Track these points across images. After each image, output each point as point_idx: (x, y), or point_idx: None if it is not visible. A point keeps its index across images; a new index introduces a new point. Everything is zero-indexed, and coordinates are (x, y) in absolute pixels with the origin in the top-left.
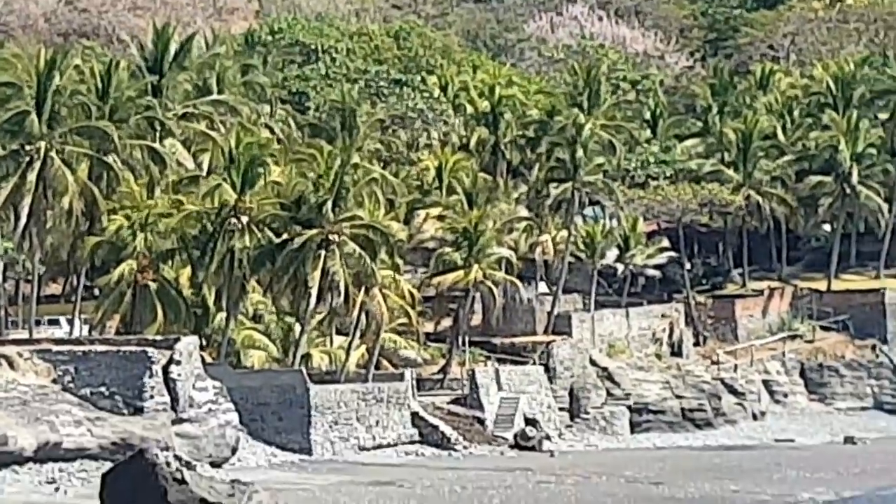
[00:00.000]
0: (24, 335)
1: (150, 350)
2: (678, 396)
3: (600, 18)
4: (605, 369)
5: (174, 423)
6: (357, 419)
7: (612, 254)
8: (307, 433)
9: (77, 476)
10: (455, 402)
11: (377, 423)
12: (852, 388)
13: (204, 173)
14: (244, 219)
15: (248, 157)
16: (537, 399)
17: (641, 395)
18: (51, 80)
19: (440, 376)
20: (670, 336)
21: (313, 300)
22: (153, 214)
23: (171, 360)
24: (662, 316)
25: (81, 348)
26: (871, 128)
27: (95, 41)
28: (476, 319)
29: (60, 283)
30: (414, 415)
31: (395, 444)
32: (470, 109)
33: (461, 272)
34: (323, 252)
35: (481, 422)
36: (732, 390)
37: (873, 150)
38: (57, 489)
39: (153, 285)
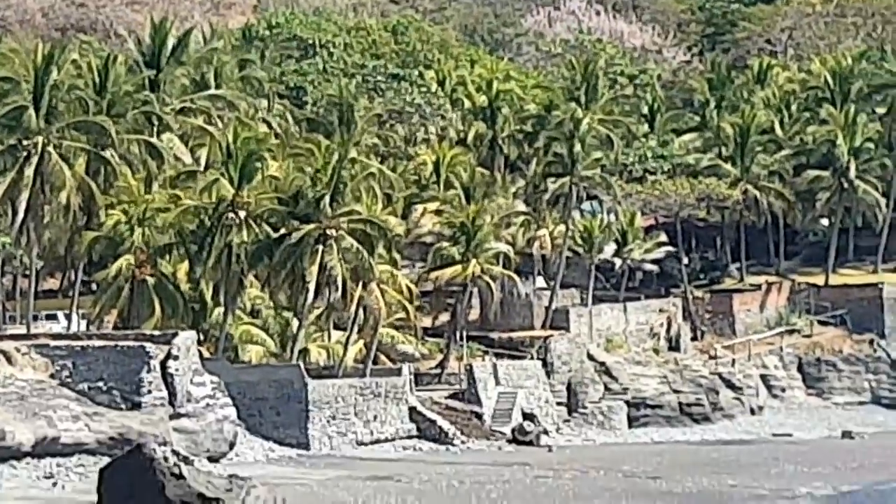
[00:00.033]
0: (22, 330)
1: (147, 345)
2: (676, 391)
3: (598, 13)
4: (602, 364)
5: (172, 417)
6: (355, 414)
7: (610, 248)
8: (305, 428)
9: (75, 471)
10: (453, 396)
11: (375, 417)
12: (850, 383)
13: (201, 168)
14: (242, 213)
15: (246, 152)
16: (535, 394)
17: (639, 390)
18: (48, 74)
19: (438, 371)
20: (668, 331)
21: (311, 295)
22: (151, 209)
23: (168, 355)
24: (660, 310)
25: (79, 343)
26: (868, 122)
27: (93, 36)
28: (474, 314)
29: (58, 277)
30: (412, 409)
31: (393, 439)
32: (467, 104)
33: (459, 267)
34: (320, 247)
35: (479, 416)
36: (730, 385)
37: (871, 145)
38: (55, 484)
39: (151, 280)
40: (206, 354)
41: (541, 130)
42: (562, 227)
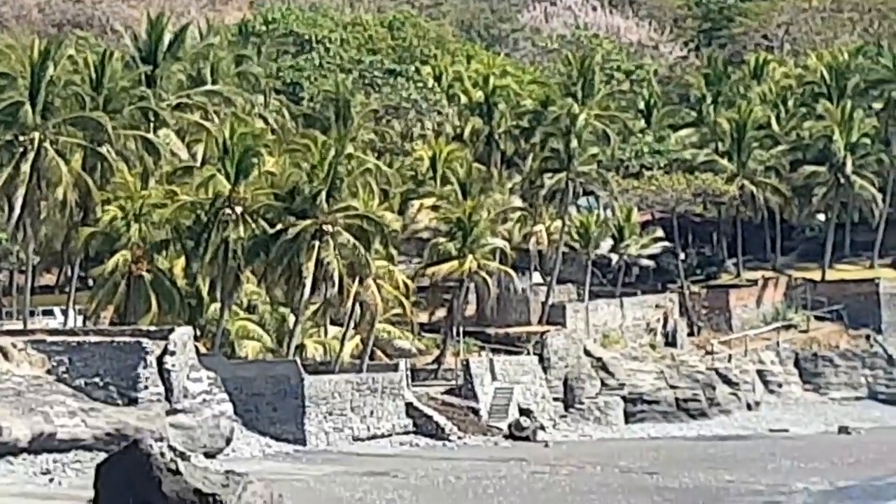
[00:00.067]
0: (19, 326)
1: (144, 341)
2: (672, 386)
3: (594, 8)
4: (599, 359)
5: (168, 413)
6: (351, 409)
7: (607, 244)
8: (301, 424)
9: (71, 467)
10: (449, 392)
11: (371, 413)
12: (846, 378)
13: (198, 164)
14: (238, 209)
15: (242, 148)
16: (531, 389)
17: (636, 386)
18: (45, 70)
19: (434, 367)
20: (664, 326)
21: (307, 291)
22: (147, 205)
23: (165, 351)
24: (657, 306)
25: (76, 339)
26: (865, 118)
27: (89, 32)
28: (470, 310)
29: (55, 273)
30: (408, 405)
31: (390, 435)
32: (464, 99)
33: (455, 262)
34: (317, 242)
35: (476, 412)
36: (727, 380)
37: (867, 140)
38: (51, 480)
39: (147, 276)
40: (203, 350)
41: (537, 126)
42: (558, 223)
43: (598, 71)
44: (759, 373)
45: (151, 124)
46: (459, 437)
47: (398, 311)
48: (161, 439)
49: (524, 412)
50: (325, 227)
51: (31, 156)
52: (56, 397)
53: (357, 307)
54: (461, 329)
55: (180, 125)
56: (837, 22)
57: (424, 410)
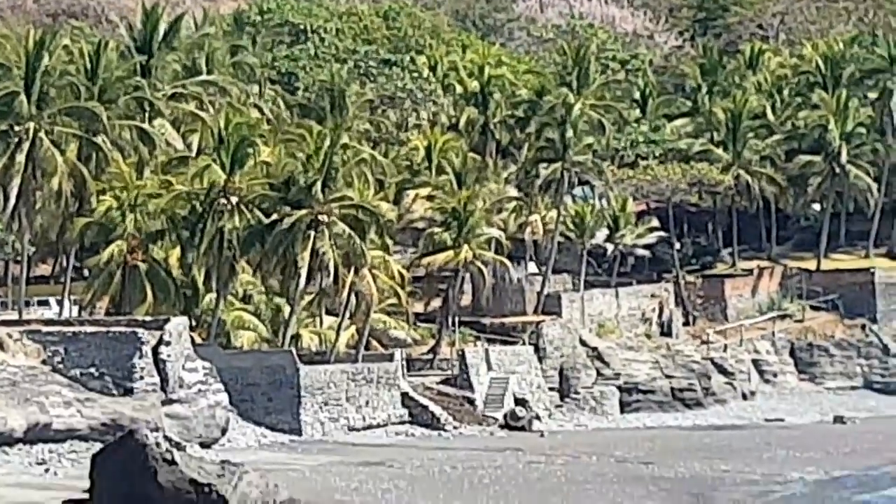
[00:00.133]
0: (14, 316)
1: (139, 331)
2: (668, 376)
3: None
4: (594, 349)
5: (164, 403)
6: (347, 400)
7: (602, 234)
8: (297, 414)
9: (67, 457)
10: (445, 382)
11: (367, 403)
12: (842, 368)
13: (193, 154)
14: (233, 199)
15: (238, 138)
16: (527, 379)
17: (631, 375)
18: (40, 60)
19: (430, 356)
20: (660, 316)
21: (303, 280)
22: (142, 195)
23: (160, 341)
24: (652, 296)
25: (71, 329)
26: (860, 107)
27: (84, 21)
28: (466, 300)
29: (50, 263)
30: (404, 395)
31: (385, 425)
32: (459, 89)
33: (451, 252)
34: (312, 232)
35: (471, 402)
36: (722, 370)
37: (862, 130)
38: (47, 470)
39: (143, 266)
40: (198, 340)
41: (532, 116)
42: (553, 213)
43: (594, 61)
44: (755, 362)
45: (146, 114)
46: (455, 427)
47: (394, 300)
48: (156, 429)
49: (520, 402)
50: (320, 216)
51: (26, 146)
52: (51, 387)
53: (352, 297)
54: (457, 319)
55: (175, 115)
56: (832, 11)
57: (420, 400)
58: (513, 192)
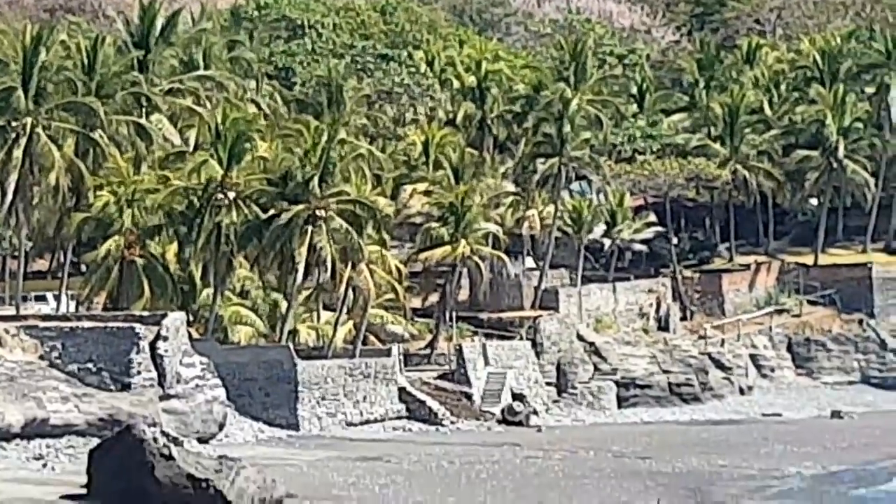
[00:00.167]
0: (11, 311)
1: (137, 326)
2: (665, 371)
3: None
4: (592, 344)
5: (161, 399)
6: (344, 395)
7: (599, 229)
8: (294, 409)
9: (64, 452)
10: (442, 377)
11: (364, 398)
12: (839, 363)
13: (190, 149)
14: (231, 194)
15: (235, 133)
16: (524, 374)
17: (628, 370)
18: (37, 56)
19: (427, 351)
20: (657, 311)
21: (300, 276)
22: (140, 190)
23: (158, 336)
24: (649, 291)
25: (68, 324)
26: (857, 102)
27: (81, 17)
28: (463, 295)
29: (47, 259)
30: (401, 390)
31: (383, 420)
32: (456, 84)
33: (448, 247)
34: (310, 227)
35: (468, 397)
36: (719, 365)
37: (860, 125)
38: (44, 465)
39: (140, 261)
40: (196, 335)
41: (530, 111)
42: (551, 208)
43: (591, 55)
44: (752, 357)
45: (144, 109)
46: (452, 422)
47: (391, 296)
48: (154, 425)
49: (517, 397)
50: (317, 212)
51: (23, 141)
52: (49, 383)
53: (350, 292)
54: (454, 314)
55: (173, 110)
56: (830, 6)
57: (417, 395)
58: (510, 187)
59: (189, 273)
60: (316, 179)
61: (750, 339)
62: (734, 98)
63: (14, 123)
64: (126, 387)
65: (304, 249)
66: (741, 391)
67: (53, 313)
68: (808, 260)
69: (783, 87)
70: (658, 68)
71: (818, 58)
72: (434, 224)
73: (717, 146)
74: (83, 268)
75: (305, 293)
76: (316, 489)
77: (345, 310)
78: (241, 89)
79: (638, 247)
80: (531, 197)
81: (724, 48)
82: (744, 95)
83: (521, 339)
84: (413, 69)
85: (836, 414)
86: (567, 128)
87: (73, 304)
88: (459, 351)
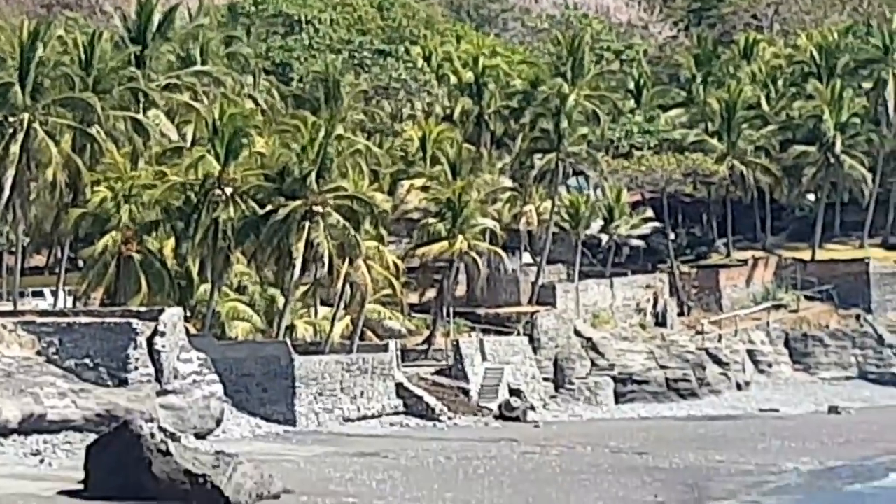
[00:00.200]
0: (8, 307)
1: (134, 322)
2: (662, 367)
3: None
4: (589, 340)
5: (159, 394)
6: (342, 390)
7: (597, 224)
8: (292, 404)
9: (62, 448)
10: (439, 372)
11: (362, 394)
12: (836, 358)
13: (188, 144)
14: (228, 190)
15: (232, 129)
16: (522, 370)
17: (626, 366)
18: (34, 51)
19: (425, 347)
20: (654, 306)
21: (297, 271)
22: (137, 186)
23: (155, 332)
24: (647, 286)
25: (66, 320)
26: (854, 97)
27: (79, 12)
28: (460, 290)
29: (44, 254)
30: (398, 386)
31: (380, 415)
32: (454, 80)
33: (445, 243)
34: (307, 223)
35: (466, 392)
36: (717, 360)
37: (857, 120)
38: (42, 461)
39: (137, 257)
40: (193, 331)
41: (527, 106)
42: (548, 203)
43: (588, 51)
44: (749, 353)
45: (141, 105)
46: (449, 418)
47: (388, 291)
48: (151, 420)
49: (514, 392)
50: (314, 207)
51: (20, 137)
52: (46, 378)
53: (347, 288)
54: (451, 309)
55: (170, 106)
56: (827, 1)
57: (414, 391)
58: (507, 182)
59: (186, 269)
60: (313, 175)
61: (747, 334)
62: (731, 93)
63: (11, 119)
64: (123, 382)
65: (301, 245)
66: (738, 387)
67: (50, 309)
68: (806, 255)
69: (780, 82)
70: (655, 64)
71: (815, 53)
72: (431, 219)
73: (714, 141)
74: (80, 263)
75: (303, 289)
76: (313, 485)
77: (342, 305)
78: (238, 85)
79: (635, 242)
80: (528, 192)
81: (721, 43)
82: (741, 91)
83: (519, 334)
84: (410, 65)
85: (833, 409)
86: (564, 123)
87: (70, 300)
88: (457, 346)
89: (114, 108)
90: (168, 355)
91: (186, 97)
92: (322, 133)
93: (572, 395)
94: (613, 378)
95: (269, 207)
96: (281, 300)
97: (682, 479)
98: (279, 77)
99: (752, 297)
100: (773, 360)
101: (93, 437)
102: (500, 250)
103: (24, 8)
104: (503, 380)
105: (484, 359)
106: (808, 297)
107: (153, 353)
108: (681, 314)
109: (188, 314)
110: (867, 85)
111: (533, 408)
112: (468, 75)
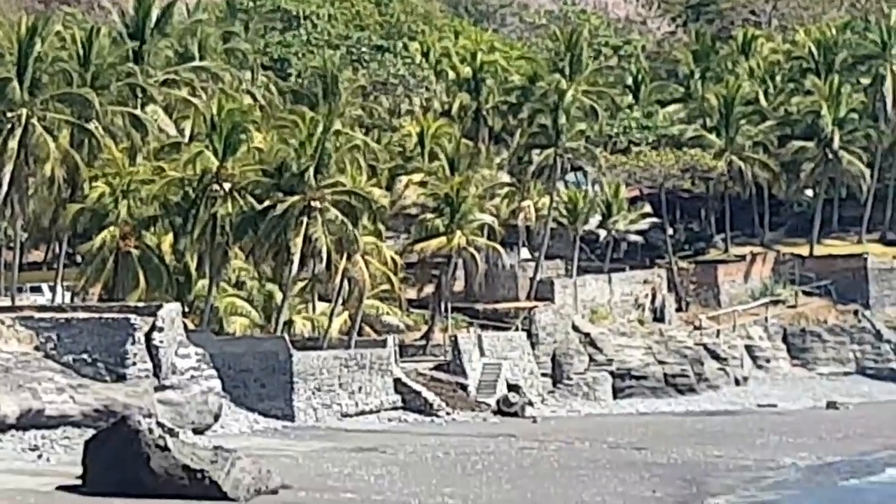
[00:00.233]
0: (7, 302)
1: (132, 317)
2: (661, 362)
3: None
4: (587, 335)
5: (157, 389)
6: (340, 386)
7: (595, 220)
8: (290, 400)
9: (60, 443)
10: (438, 368)
11: (360, 389)
12: (835, 354)
13: (186, 140)
14: (226, 185)
15: (230, 124)
16: (520, 365)
17: (624, 361)
18: (32, 46)
19: (423, 342)
20: (653, 301)
21: (295, 266)
22: (135, 181)
23: (153, 327)
24: (645, 281)
25: (64, 315)
26: (852, 93)
27: (77, 8)
28: (458, 285)
29: (42, 250)
30: (396, 381)
31: (378, 411)
32: (452, 75)
33: (443, 238)
34: (305, 218)
35: (464, 388)
36: (715, 356)
37: (855, 116)
38: (40, 456)
39: (135, 252)
40: (191, 326)
41: (525, 102)
42: (546, 199)
43: (586, 46)
44: (748, 348)
45: (139, 100)
46: (448, 413)
47: (386, 287)
48: (149, 416)
49: (512, 388)
50: (312, 203)
51: (18, 132)
52: (44, 374)
53: (345, 283)
54: (449, 305)
55: (168, 101)
56: None
57: (413, 386)
58: (505, 178)
59: (184, 264)
60: (311, 170)
61: (745, 329)
62: (729, 89)
63: (9, 114)
64: (121, 378)
65: (299, 240)
66: (736, 382)
67: (49, 304)
68: (804, 251)
69: (778, 78)
70: (653, 59)
71: (813, 49)
72: (429, 215)
73: (712, 137)
74: (78, 259)
75: (301, 284)
76: (311, 480)
77: (340, 301)
78: (236, 80)
79: (633, 238)
80: (526, 188)
81: (719, 39)
82: (739, 86)
83: (517, 330)
84: (408, 60)
85: (831, 405)
86: (562, 119)
87: (68, 295)
88: (455, 342)
89: (112, 104)
90: (166, 351)
91: (184, 93)
92: (320, 128)
93: (570, 390)
94: (611, 373)
95: (267, 203)
96: (279, 296)
97: (680, 474)
98: (277, 73)
99: (751, 292)
100: (771, 356)
101: (91, 432)
102: (498, 246)
103: (22, 3)
104: (501, 375)
105: (482, 354)
106: (806, 293)
107: (151, 349)
108: (679, 310)
109: (186, 309)
110: (865, 80)
111: (531, 403)
112: (466, 71)
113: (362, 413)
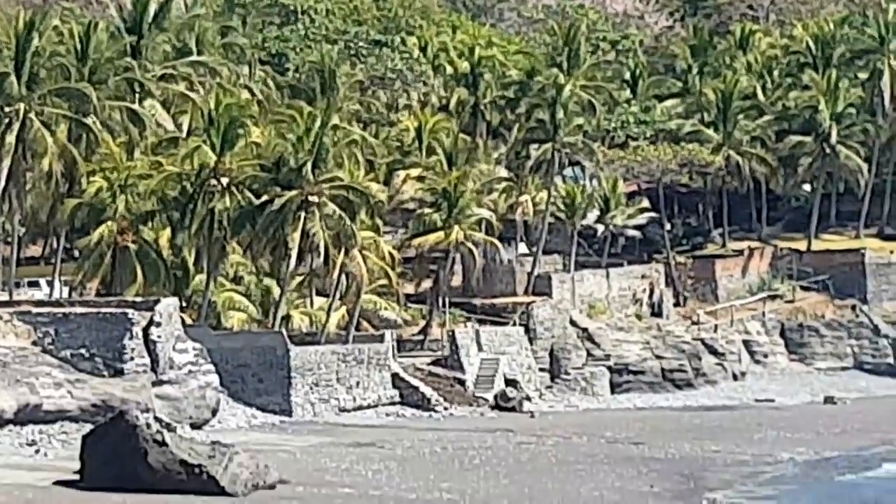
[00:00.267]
0: (4, 297)
1: (130, 312)
2: (658, 357)
3: None
4: (585, 330)
5: (154, 384)
6: (337, 380)
7: (593, 214)
8: (287, 395)
9: (57, 438)
10: (435, 363)
11: (357, 384)
12: (832, 348)
13: (183, 135)
14: (224, 180)
15: (228, 119)
16: (517, 360)
17: (621, 356)
18: (30, 41)
19: (420, 337)
20: (650, 296)
21: (293, 261)
22: (133, 176)
23: (151, 322)
24: (643, 276)
25: (61, 310)
26: (850, 87)
27: (74, 2)
28: (456, 280)
29: (40, 245)
30: (394, 376)
31: (376, 406)
32: (449, 70)
33: (441, 233)
34: (303, 213)
35: (462, 383)
36: (713, 350)
37: (853, 110)
38: (37, 451)
39: (133, 247)
40: (189, 321)
41: (523, 96)
42: (544, 194)
43: (584, 41)
44: (745, 343)
45: (137, 95)
46: (445, 408)
47: (384, 281)
48: (147, 410)
49: (510, 383)
50: (310, 197)
51: (16, 127)
52: (42, 368)
53: (343, 278)
54: (447, 300)
55: (165, 96)
56: None
57: (410, 381)
58: (503, 172)
59: (182, 259)
60: (309, 165)
61: (743, 324)
62: (727, 84)
63: (7, 109)
64: (119, 372)
65: (297, 235)
66: (734, 377)
67: (46, 299)
68: (802, 245)
69: (776, 72)
70: (651, 54)
71: (811, 43)
72: (427, 210)
73: (710, 132)
74: (76, 253)
75: (298, 279)
76: (309, 475)
77: (338, 295)
78: (234, 75)
79: (631, 232)
80: (524, 183)
81: (717, 34)
82: (737, 81)
83: (515, 324)
84: (406, 55)
85: (829, 400)
86: (560, 113)
87: (66, 290)
88: (452, 337)
89: (109, 99)
90: (164, 345)
91: (182, 87)
92: (318, 123)
93: (568, 385)
94: (609, 368)
95: (264, 198)
96: (277, 290)
97: (677, 469)
98: (275, 67)
99: (748, 287)
100: (768, 351)
101: (89, 427)
102: (495, 241)
103: None
104: (499, 370)
105: (480, 349)
106: (803, 288)
107: (149, 344)
108: (677, 304)
109: (184, 304)
110: (863, 75)
111: (529, 398)
112: (464, 65)
113: (360, 408)
